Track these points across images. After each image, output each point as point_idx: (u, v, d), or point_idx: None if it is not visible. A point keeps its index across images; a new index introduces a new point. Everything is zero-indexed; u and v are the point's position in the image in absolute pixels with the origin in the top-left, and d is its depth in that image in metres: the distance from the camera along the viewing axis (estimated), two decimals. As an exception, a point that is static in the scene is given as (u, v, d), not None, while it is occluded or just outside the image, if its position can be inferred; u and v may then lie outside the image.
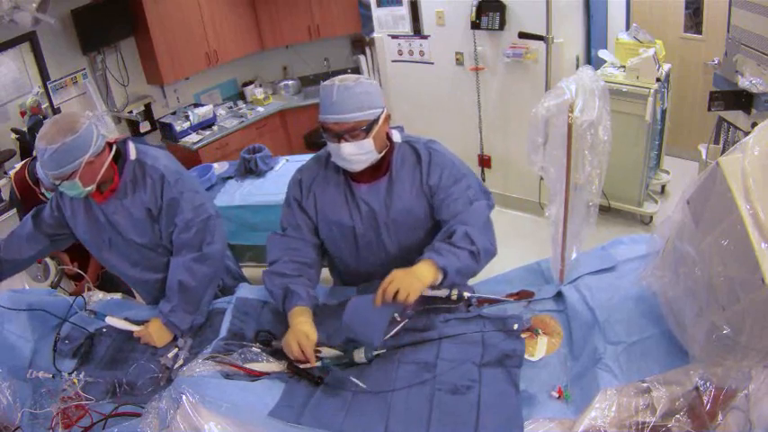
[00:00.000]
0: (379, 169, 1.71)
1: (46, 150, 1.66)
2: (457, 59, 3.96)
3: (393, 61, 4.31)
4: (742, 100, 2.63)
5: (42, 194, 2.58)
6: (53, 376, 1.71)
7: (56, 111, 4.23)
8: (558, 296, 1.65)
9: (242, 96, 5.58)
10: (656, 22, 4.09)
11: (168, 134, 4.92)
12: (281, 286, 1.67)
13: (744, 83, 2.62)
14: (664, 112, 3.72)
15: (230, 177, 3.54)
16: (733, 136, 2.88)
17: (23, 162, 2.77)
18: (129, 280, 2.14)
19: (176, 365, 1.72)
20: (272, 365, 1.56)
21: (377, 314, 1.51)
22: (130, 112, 4.76)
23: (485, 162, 4.24)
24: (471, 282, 1.83)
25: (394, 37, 4.19)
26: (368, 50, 5.14)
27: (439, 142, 1.78)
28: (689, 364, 1.21)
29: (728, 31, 2.84)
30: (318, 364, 1.53)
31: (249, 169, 3.51)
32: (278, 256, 1.75)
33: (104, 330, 1.91)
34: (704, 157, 3.12)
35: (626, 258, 1.64)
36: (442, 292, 1.67)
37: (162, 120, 4.95)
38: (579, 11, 3.55)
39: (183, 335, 1.86)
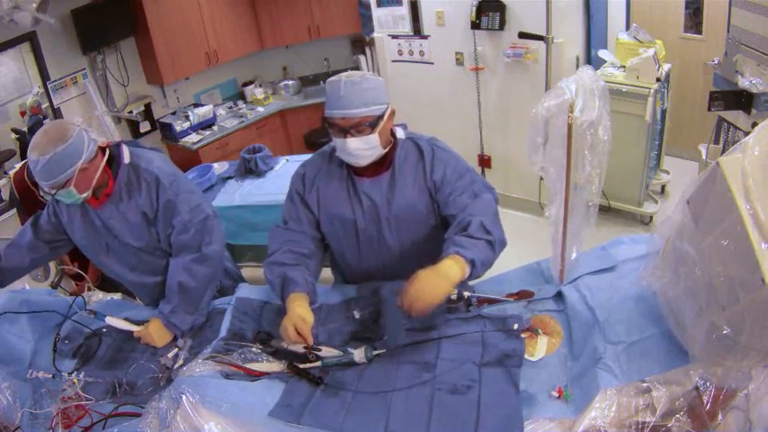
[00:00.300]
0: (382, 164, 1.72)
1: (38, 162, 1.65)
2: (457, 59, 3.96)
3: (393, 61, 4.31)
4: (742, 100, 2.63)
5: (41, 196, 2.58)
6: (53, 376, 1.71)
7: (56, 111, 4.24)
8: (558, 296, 1.65)
9: (242, 96, 5.58)
10: (656, 22, 4.09)
11: (168, 134, 4.92)
12: (279, 275, 1.68)
13: (744, 83, 2.62)
14: (664, 112, 3.72)
15: (230, 177, 3.54)
16: (733, 136, 2.88)
17: (23, 163, 2.77)
18: (128, 284, 2.14)
19: (176, 365, 1.72)
20: (272, 365, 1.56)
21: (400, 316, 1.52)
22: (130, 112, 4.76)
23: (485, 162, 4.24)
24: (471, 282, 1.83)
25: (394, 37, 4.19)
26: (368, 50, 5.14)
27: (440, 140, 1.79)
28: (689, 364, 1.21)
29: (728, 31, 2.84)
30: (318, 363, 1.53)
31: (249, 169, 3.51)
32: (277, 247, 1.76)
33: (104, 330, 1.91)
34: (704, 157, 3.12)
35: (626, 258, 1.64)
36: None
37: (162, 120, 4.95)
38: (579, 11, 3.55)
39: (182, 335, 1.86)
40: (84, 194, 1.78)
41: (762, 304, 0.97)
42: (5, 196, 3.82)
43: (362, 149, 1.61)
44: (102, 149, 1.85)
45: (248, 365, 1.53)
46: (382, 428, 1.29)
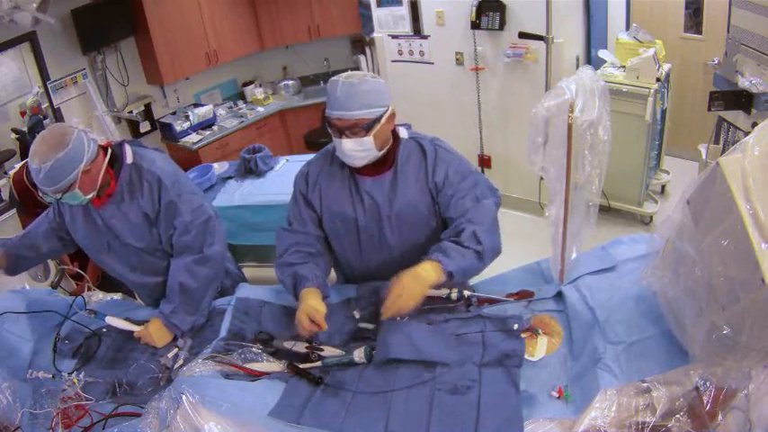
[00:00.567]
0: (384, 164, 1.72)
1: (40, 170, 1.64)
2: (457, 59, 3.96)
3: (393, 61, 4.31)
4: (742, 100, 2.63)
5: (41, 197, 2.58)
6: (53, 376, 1.71)
7: (56, 111, 4.24)
8: (558, 296, 1.65)
9: (242, 96, 5.58)
10: (656, 22, 4.09)
11: (168, 134, 4.92)
12: (291, 274, 1.72)
13: (744, 83, 2.62)
14: (664, 112, 3.72)
15: (230, 177, 3.54)
16: (733, 136, 2.88)
17: (22, 163, 2.76)
18: (129, 283, 2.14)
19: (176, 365, 1.72)
20: (272, 365, 1.56)
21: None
22: (130, 112, 4.76)
23: (485, 162, 4.24)
24: (471, 282, 1.83)
25: (394, 37, 4.19)
26: (368, 50, 5.14)
27: (443, 140, 1.79)
28: (689, 364, 1.21)
29: (728, 31, 2.84)
30: (318, 363, 1.53)
31: (249, 169, 3.51)
32: (285, 249, 1.79)
33: (104, 330, 1.91)
34: (704, 157, 3.12)
35: (626, 258, 1.64)
36: (442, 292, 1.67)
37: (162, 120, 4.95)
38: (579, 11, 3.55)
39: (182, 335, 1.86)
40: (90, 195, 1.78)
41: (762, 304, 0.97)
42: (5, 196, 3.82)
43: (357, 151, 1.61)
44: (104, 149, 1.85)
45: (248, 365, 1.53)
46: (382, 428, 1.29)
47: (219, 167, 3.67)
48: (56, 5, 3.70)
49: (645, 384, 1.21)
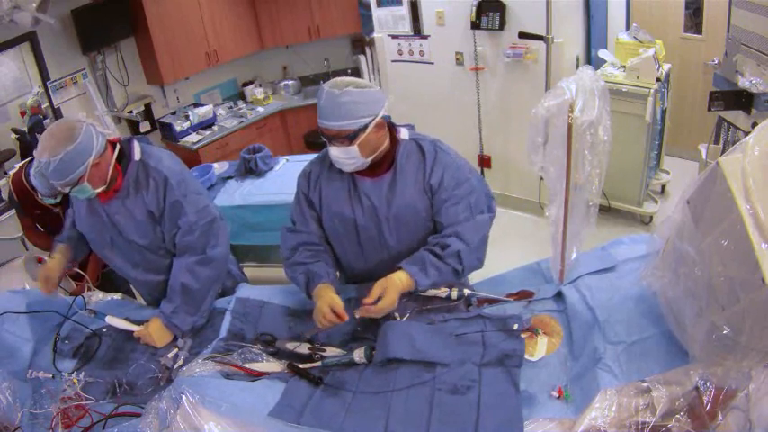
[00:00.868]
0: (382, 165, 1.71)
1: (50, 163, 1.64)
2: (457, 59, 3.96)
3: (393, 61, 4.31)
4: (742, 100, 2.63)
5: (41, 199, 2.58)
6: (53, 376, 1.71)
7: (56, 111, 4.24)
8: (558, 296, 1.65)
9: (242, 96, 5.58)
10: (656, 22, 4.09)
11: (168, 134, 4.92)
12: (303, 272, 1.74)
13: (744, 83, 2.62)
14: (664, 112, 3.72)
15: (230, 177, 3.53)
16: (733, 136, 2.88)
17: (21, 164, 2.76)
18: (131, 280, 2.14)
19: (176, 365, 1.72)
20: (272, 365, 1.56)
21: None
22: (130, 112, 4.76)
23: (485, 162, 4.24)
24: (471, 282, 1.83)
25: (394, 37, 4.19)
26: (368, 50, 5.14)
27: (444, 143, 1.79)
28: (689, 364, 1.21)
29: (728, 31, 2.84)
30: (318, 363, 1.53)
31: (249, 169, 3.50)
32: (293, 249, 1.81)
33: (104, 330, 1.91)
34: (704, 157, 3.12)
35: (626, 258, 1.64)
36: (442, 292, 1.67)
37: (162, 120, 4.95)
38: (579, 11, 3.55)
39: (183, 335, 1.86)
40: (99, 189, 1.79)
41: (762, 304, 0.97)
42: (5, 196, 3.82)
43: (343, 158, 1.62)
44: (113, 144, 1.85)
45: (248, 365, 1.53)
46: (382, 428, 1.29)
47: (219, 167, 3.67)
48: (56, 5, 3.70)
49: (645, 384, 1.21)
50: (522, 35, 3.42)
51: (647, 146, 3.54)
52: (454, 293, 1.67)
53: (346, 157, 1.61)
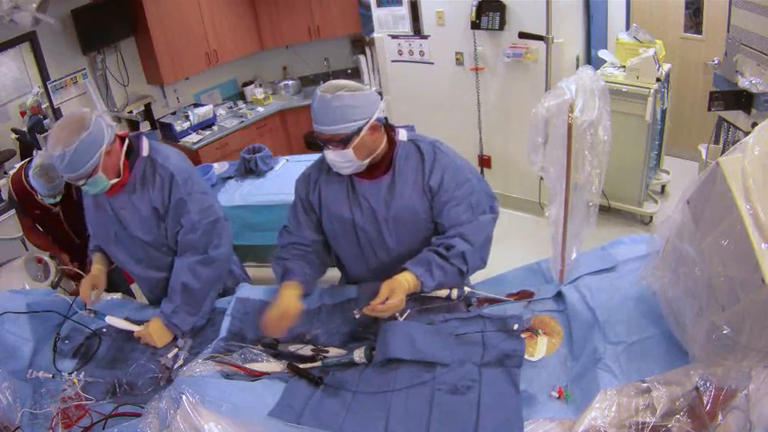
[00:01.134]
0: (380, 167, 1.71)
1: (65, 155, 1.64)
2: (457, 59, 3.96)
3: (393, 61, 4.31)
4: (742, 100, 2.63)
5: (40, 199, 2.58)
6: (53, 376, 1.71)
7: (56, 111, 4.24)
8: (558, 296, 1.65)
9: (242, 96, 5.58)
10: (656, 22, 4.09)
11: (168, 134, 4.92)
12: (282, 266, 1.80)
13: (744, 83, 2.62)
14: (664, 112, 3.72)
15: (230, 177, 3.54)
16: (733, 136, 2.88)
17: (21, 164, 2.76)
18: (132, 275, 2.14)
19: (176, 365, 1.72)
20: (272, 365, 1.56)
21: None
22: (130, 112, 4.76)
23: (485, 162, 4.24)
24: (471, 282, 1.83)
25: (394, 37, 4.19)
26: (368, 50, 5.14)
27: (444, 144, 1.79)
28: (689, 364, 1.21)
29: (728, 31, 2.84)
30: (318, 363, 1.53)
31: (249, 169, 3.50)
32: (282, 246, 1.86)
33: (104, 330, 1.91)
34: (704, 157, 3.12)
35: (626, 258, 1.64)
36: (442, 292, 1.67)
37: (162, 120, 4.95)
38: (579, 11, 3.55)
39: (183, 335, 1.86)
40: (114, 180, 1.80)
41: (762, 304, 0.97)
42: (5, 196, 3.82)
43: (339, 161, 1.62)
44: (122, 138, 1.86)
45: (248, 365, 1.53)
46: (382, 428, 1.29)
47: (219, 167, 3.67)
48: (56, 5, 3.69)
49: (645, 384, 1.21)
50: (522, 35, 3.41)
51: (647, 146, 3.54)
52: (454, 293, 1.67)
53: (342, 160, 1.61)
